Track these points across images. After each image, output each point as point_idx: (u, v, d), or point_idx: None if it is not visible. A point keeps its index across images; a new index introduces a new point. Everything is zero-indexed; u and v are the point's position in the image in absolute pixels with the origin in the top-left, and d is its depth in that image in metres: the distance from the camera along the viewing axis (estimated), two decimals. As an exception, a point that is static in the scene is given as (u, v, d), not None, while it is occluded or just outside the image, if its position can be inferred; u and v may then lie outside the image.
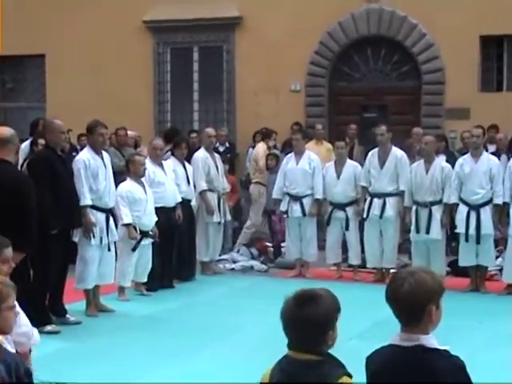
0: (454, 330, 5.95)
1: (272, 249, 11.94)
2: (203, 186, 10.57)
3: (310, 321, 2.80)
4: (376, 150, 10.30)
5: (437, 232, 9.64)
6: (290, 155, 10.93)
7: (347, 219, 10.48)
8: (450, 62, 13.78)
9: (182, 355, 6.84)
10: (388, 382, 2.83)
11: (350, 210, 10.49)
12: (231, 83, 15.02)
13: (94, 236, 8.14)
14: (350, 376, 2.82)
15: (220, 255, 11.38)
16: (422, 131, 12.12)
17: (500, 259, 10.01)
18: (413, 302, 2.78)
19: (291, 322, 2.85)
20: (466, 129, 11.95)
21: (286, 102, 14.40)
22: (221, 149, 13.36)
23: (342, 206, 10.53)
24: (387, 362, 2.85)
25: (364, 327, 7.37)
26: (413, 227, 9.79)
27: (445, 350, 2.84)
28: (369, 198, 10.22)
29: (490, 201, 9.42)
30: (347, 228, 10.51)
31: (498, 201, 9.37)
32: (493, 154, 10.80)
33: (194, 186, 10.45)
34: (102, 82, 15.00)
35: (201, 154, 10.75)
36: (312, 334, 2.81)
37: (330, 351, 2.85)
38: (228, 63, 15.05)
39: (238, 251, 11.87)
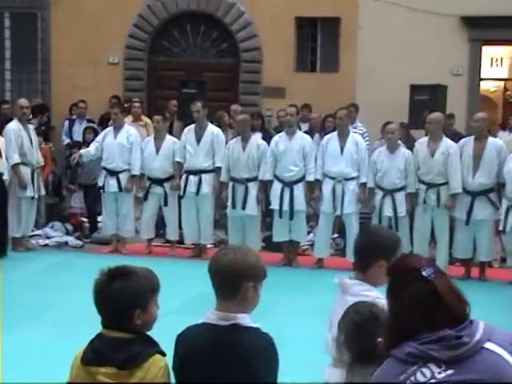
0: (267, 304, 6.11)
1: (88, 224, 11.70)
2: (16, 159, 10.15)
3: (117, 297, 2.74)
4: (193, 126, 10.34)
5: (252, 208, 9.85)
6: (109, 129, 10.74)
7: (165, 195, 10.45)
8: (267, 41, 14.07)
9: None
10: (201, 362, 2.81)
11: (167, 186, 10.47)
12: (46, 53, 14.48)
13: None
14: (162, 354, 2.81)
15: (33, 231, 11.00)
16: (240, 108, 12.31)
17: (311, 235, 10.41)
18: (232, 274, 2.79)
19: (100, 298, 2.79)
20: (282, 107, 12.27)
21: (103, 75, 14.12)
22: (35, 121, 12.85)
23: (159, 182, 10.49)
24: (201, 341, 2.84)
25: (181, 302, 7.42)
26: (229, 203, 9.95)
27: (257, 328, 2.89)
28: (185, 175, 10.25)
29: (303, 178, 9.75)
30: (166, 204, 10.49)
31: (311, 178, 9.72)
32: (306, 132, 11.18)
33: (7, 159, 10.01)
34: None
35: (13, 125, 10.30)
36: (120, 311, 2.75)
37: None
38: (43, 32, 14.48)
39: (52, 226, 11.53)
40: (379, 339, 2.63)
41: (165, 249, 10.71)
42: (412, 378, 2.18)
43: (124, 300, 2.74)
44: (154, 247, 10.66)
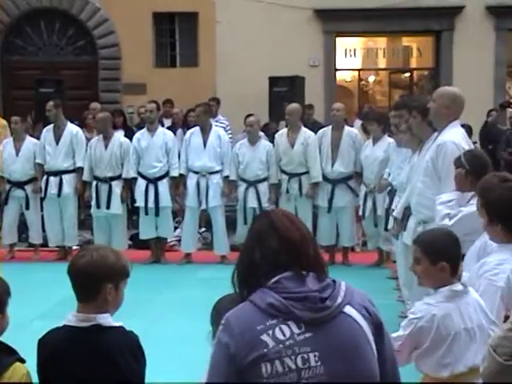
0: (135, 303, 6.08)
1: None
2: None
3: None
4: (51, 126, 10.09)
5: (117, 207, 9.73)
6: None
7: (27, 198, 10.15)
8: (125, 37, 13.93)
9: None
10: (64, 365, 2.78)
11: (29, 188, 10.17)
12: None
13: None
14: (22, 361, 2.75)
15: None
16: (100, 106, 12.13)
17: (179, 230, 10.41)
18: (90, 276, 2.76)
19: None
20: (143, 104, 12.19)
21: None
22: None
23: (20, 185, 10.17)
24: (62, 345, 2.80)
25: (46, 307, 7.22)
26: (93, 203, 9.79)
27: (120, 327, 2.87)
28: (45, 176, 9.99)
29: (167, 174, 9.73)
30: (27, 207, 10.19)
31: (175, 173, 9.71)
32: (169, 128, 11.16)
33: None
34: None
35: None
36: None
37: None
38: None
39: None
40: None
41: (29, 253, 10.41)
42: (270, 332, 2.13)
43: None
44: (16, 252, 10.33)
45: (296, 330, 2.15)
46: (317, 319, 2.15)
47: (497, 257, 3.44)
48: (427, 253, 3.40)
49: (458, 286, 3.37)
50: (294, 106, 9.67)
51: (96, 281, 2.77)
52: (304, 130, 9.57)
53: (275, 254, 2.24)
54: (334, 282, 2.25)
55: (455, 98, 5.42)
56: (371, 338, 2.22)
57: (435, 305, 3.34)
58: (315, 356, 2.13)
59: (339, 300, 2.19)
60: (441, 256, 3.36)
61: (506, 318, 2.77)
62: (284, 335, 2.14)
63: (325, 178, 9.40)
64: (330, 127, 9.58)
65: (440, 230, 4.11)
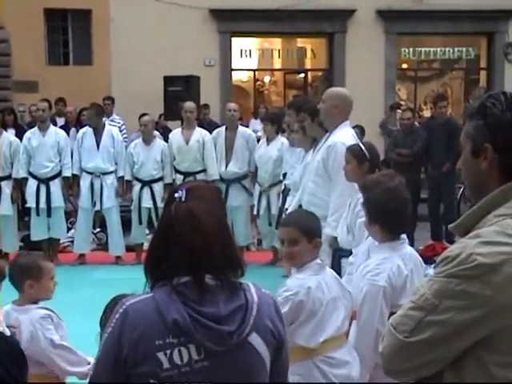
0: None
1: None
2: None
3: None
4: None
5: (7, 207, 9.48)
6: None
7: None
8: (15, 33, 13.55)
9: None
10: None
11: None
12: None
13: None
14: None
15: None
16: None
17: (72, 231, 10.22)
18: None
19: None
20: (35, 102, 11.90)
21: None
22: None
23: None
24: None
25: None
26: (-18, 204, 9.51)
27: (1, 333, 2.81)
28: None
29: (60, 174, 9.54)
30: None
31: (67, 173, 9.54)
32: (62, 127, 10.94)
33: None
34: None
35: None
36: None
37: None
38: None
39: None
40: None
41: None
42: (168, 352, 2.00)
43: None
44: None
45: (195, 356, 2.02)
46: (218, 352, 2.03)
47: (378, 256, 3.56)
48: (305, 232, 3.53)
49: (319, 260, 3.60)
50: (193, 104, 9.67)
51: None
52: (198, 128, 9.59)
53: (183, 250, 2.06)
54: (246, 299, 2.10)
55: (344, 98, 5.56)
56: (268, 363, 2.14)
57: (308, 278, 3.50)
58: None
59: (246, 331, 2.06)
60: (316, 233, 3.58)
61: (391, 314, 2.85)
62: (182, 360, 2.02)
63: (219, 177, 9.44)
64: (224, 127, 9.63)
65: (304, 210, 4.53)
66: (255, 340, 2.08)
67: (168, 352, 2.00)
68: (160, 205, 9.41)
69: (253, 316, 2.07)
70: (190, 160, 9.45)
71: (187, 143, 9.45)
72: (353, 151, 4.80)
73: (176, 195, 2.09)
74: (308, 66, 16.34)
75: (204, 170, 9.48)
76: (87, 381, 2.20)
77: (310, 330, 3.47)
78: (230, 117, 9.54)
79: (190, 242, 2.05)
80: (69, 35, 14.14)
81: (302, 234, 3.54)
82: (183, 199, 2.08)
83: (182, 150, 9.48)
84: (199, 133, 9.48)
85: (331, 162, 5.28)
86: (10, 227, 9.63)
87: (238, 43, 15.28)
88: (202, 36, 14.23)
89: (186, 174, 9.50)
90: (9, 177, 9.54)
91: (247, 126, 11.12)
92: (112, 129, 9.96)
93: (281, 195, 8.24)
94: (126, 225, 9.75)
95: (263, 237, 9.62)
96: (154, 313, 2.03)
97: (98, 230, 10.42)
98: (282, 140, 8.87)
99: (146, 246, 9.47)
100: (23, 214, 10.28)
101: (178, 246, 2.06)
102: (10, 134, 10.10)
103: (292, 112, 7.27)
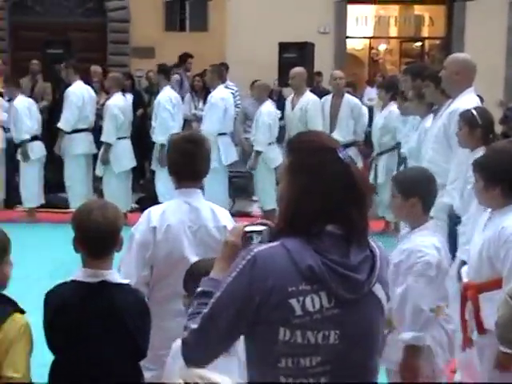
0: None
1: None
2: None
3: None
4: None
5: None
6: None
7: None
8: (135, 0, 13.79)
9: None
10: (70, 319, 2.80)
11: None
12: None
13: None
14: (22, 312, 2.77)
15: None
16: (100, 69, 12.09)
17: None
18: (102, 231, 2.79)
19: None
20: (151, 68, 12.12)
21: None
22: None
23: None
24: (71, 298, 2.82)
25: (53, 267, 7.27)
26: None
27: (127, 285, 2.89)
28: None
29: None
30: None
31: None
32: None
33: None
34: None
35: None
36: None
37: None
38: None
39: None
40: None
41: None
42: (300, 298, 2.00)
43: None
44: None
45: (326, 304, 2.03)
46: (349, 300, 2.04)
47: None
48: (400, 189, 3.50)
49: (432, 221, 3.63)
50: (297, 69, 9.53)
51: (108, 235, 2.81)
52: (308, 94, 9.42)
53: (335, 198, 2.06)
54: (371, 251, 2.11)
55: (465, 63, 5.37)
56: (385, 316, 2.17)
57: (429, 237, 3.46)
58: (335, 334, 2.04)
59: (373, 281, 2.07)
60: (411, 192, 3.47)
61: None
62: (314, 307, 2.02)
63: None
64: (331, 95, 9.51)
65: (415, 168, 4.37)
66: (379, 291, 2.11)
67: (301, 299, 2.00)
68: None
69: (377, 268, 2.09)
70: (293, 128, 9.40)
71: (293, 110, 9.39)
72: (464, 117, 4.66)
73: (340, 155, 2.10)
74: (425, 34, 15.89)
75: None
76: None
77: (444, 288, 3.44)
78: (336, 85, 9.42)
79: (363, 187, 2.10)
80: (186, 2, 14.26)
81: (398, 191, 3.52)
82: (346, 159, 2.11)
83: (288, 117, 9.47)
84: (305, 100, 9.34)
85: (452, 128, 5.11)
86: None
87: (353, 10, 15.02)
88: (318, 3, 14.06)
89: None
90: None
91: (361, 95, 10.96)
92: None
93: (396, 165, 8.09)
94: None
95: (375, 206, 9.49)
96: (285, 259, 2.03)
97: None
98: (390, 108, 8.68)
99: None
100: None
101: (343, 186, 2.07)
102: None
103: (408, 78, 7.06)
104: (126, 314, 2.77)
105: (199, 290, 2.18)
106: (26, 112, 9.90)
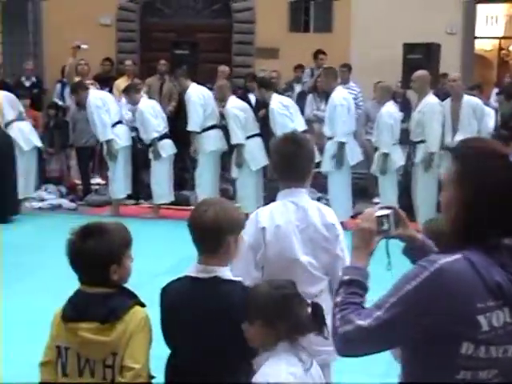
0: None
1: (81, 187, 11.70)
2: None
3: (93, 254, 2.78)
4: None
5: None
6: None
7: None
8: (260, 1, 13.94)
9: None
10: (184, 313, 2.87)
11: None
12: (37, 14, 14.34)
13: None
14: (142, 306, 2.86)
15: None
16: (228, 69, 12.27)
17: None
18: (216, 229, 2.83)
19: (76, 257, 2.83)
20: (275, 68, 12.22)
21: (96, 37, 13.97)
22: (27, 83, 12.81)
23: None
24: (184, 294, 2.89)
25: (171, 263, 7.46)
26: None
27: (238, 281, 2.93)
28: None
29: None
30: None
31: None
32: (299, 93, 11.15)
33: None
34: None
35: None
36: (97, 268, 2.80)
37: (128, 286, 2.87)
38: (34, -8, 14.36)
39: (46, 189, 11.53)
40: None
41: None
42: (487, 314, 1.99)
43: (99, 256, 2.78)
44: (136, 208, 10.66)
45: (508, 319, 2.03)
46: None
47: None
48: None
49: None
50: (419, 72, 9.39)
51: (221, 234, 2.83)
52: (428, 97, 9.25)
53: (508, 207, 2.02)
54: None
55: None
56: None
57: None
58: None
59: None
60: None
61: None
62: (498, 322, 2.01)
63: (447, 148, 9.15)
64: (450, 98, 9.31)
65: None
66: None
67: (488, 315, 1.99)
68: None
69: None
70: (412, 130, 9.32)
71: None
72: None
73: None
74: (559, 34, 15.26)
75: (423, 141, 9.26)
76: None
77: None
78: (451, 87, 9.22)
79: None
80: (310, 2, 14.28)
81: None
82: None
83: (412, 119, 9.39)
84: (424, 103, 9.19)
85: None
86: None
87: (483, 9, 14.59)
88: (446, 2, 13.75)
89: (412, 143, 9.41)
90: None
91: (488, 98, 10.64)
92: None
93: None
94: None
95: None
96: (472, 274, 2.01)
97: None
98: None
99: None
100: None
101: (498, 207, 2.02)
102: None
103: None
104: (236, 309, 2.80)
105: (346, 278, 2.19)
106: (150, 112, 10.23)
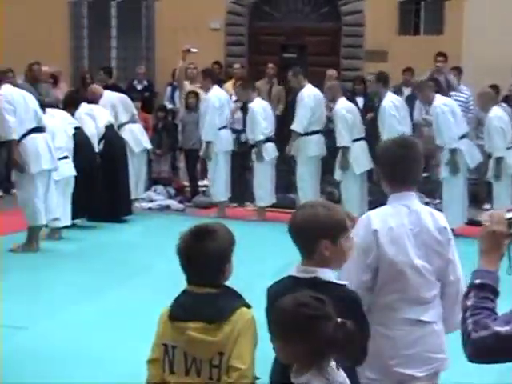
0: None
1: (189, 188, 11.92)
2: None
3: (206, 254, 2.82)
4: None
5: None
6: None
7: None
8: (369, 3, 13.81)
9: (98, 293, 6.85)
10: None
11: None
12: (150, 19, 14.71)
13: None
14: (248, 307, 2.87)
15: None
16: (335, 73, 12.22)
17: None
18: (305, 232, 2.84)
19: (188, 257, 2.87)
20: (384, 71, 12.06)
21: (205, 41, 14.19)
22: (139, 87, 13.15)
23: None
24: (284, 292, 2.86)
25: (277, 266, 7.47)
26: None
27: (342, 285, 2.90)
28: None
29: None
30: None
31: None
32: (408, 96, 10.98)
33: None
34: (16, 15, 14.45)
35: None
36: (209, 268, 2.83)
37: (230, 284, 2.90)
38: (148, -1, 14.74)
39: (155, 190, 11.80)
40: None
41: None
42: None
43: (213, 257, 2.82)
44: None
45: None
46: None
47: None
48: None
49: None
50: None
51: (312, 237, 2.83)
52: None
53: None
54: None
55: None
56: None
57: None
58: None
59: None
60: None
61: None
62: None
63: None
64: None
65: None
66: None
67: None
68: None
69: None
70: None
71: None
72: None
73: None
74: None
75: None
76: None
77: None
78: None
79: None
80: (421, 4, 14.04)
81: None
82: None
83: None
84: None
85: None
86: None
87: None
88: None
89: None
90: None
91: None
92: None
93: None
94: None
95: None
96: None
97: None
98: None
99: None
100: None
101: None
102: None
103: None
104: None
105: (477, 281, 2.16)
106: (262, 113, 10.32)
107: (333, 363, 2.46)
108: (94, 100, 10.37)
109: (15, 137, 8.11)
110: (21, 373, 5.02)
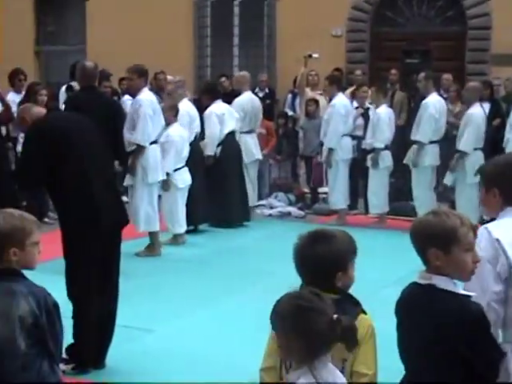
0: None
1: (309, 195, 11.91)
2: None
3: (320, 259, 2.80)
4: None
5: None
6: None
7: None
8: (497, 6, 13.38)
9: (216, 299, 6.91)
10: (404, 316, 2.90)
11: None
12: (272, 28, 14.83)
13: None
14: (365, 313, 2.88)
15: (257, 201, 11.40)
16: (451, 77, 11.98)
17: None
18: (416, 241, 2.87)
19: (302, 260, 2.87)
20: (510, 76, 11.69)
21: (326, 48, 14.15)
22: (260, 94, 13.26)
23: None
24: (406, 298, 2.93)
25: (399, 275, 7.34)
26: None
27: (460, 295, 2.81)
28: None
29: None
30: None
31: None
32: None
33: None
34: (142, 25, 14.90)
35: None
36: (323, 273, 2.82)
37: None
38: (269, 7, 14.84)
39: (276, 197, 11.86)
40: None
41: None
42: None
43: (326, 262, 2.81)
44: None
45: None
46: None
47: None
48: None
49: None
50: None
51: (421, 245, 2.83)
52: None
53: None
54: None
55: None
56: None
57: None
58: None
59: None
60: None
61: None
62: None
63: None
64: None
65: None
66: None
67: None
68: None
69: None
70: None
71: None
72: None
73: None
74: None
75: None
76: None
77: None
78: None
79: None
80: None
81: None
82: None
83: None
84: None
85: None
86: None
87: None
88: None
89: None
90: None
91: None
92: None
93: None
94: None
95: None
96: None
97: None
98: None
99: None
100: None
101: None
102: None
103: None
104: (443, 319, 2.73)
105: None
106: (386, 121, 10.21)
107: (329, 364, 2.50)
108: (237, 91, 10.76)
109: (147, 145, 8.29)
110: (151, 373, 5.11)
